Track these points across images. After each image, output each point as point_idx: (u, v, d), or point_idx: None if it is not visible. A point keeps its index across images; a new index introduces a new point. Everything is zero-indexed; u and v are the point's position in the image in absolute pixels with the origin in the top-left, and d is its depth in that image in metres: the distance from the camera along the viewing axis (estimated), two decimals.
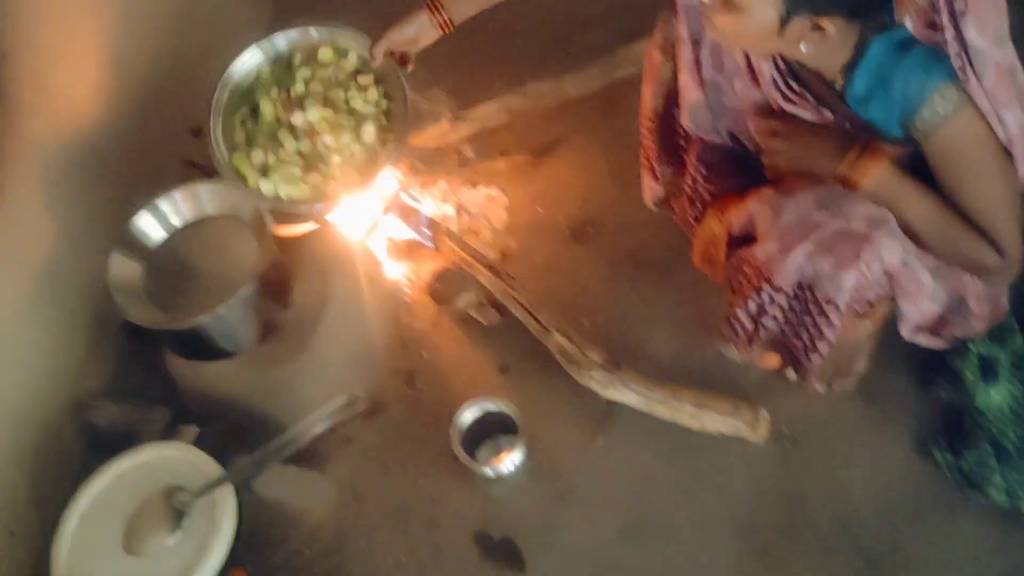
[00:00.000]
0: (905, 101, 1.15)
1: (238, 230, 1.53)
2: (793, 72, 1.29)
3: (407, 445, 1.64)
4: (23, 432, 1.56)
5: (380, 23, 1.57)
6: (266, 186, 1.56)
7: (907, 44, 1.15)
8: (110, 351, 1.76)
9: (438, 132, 1.97)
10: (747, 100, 1.37)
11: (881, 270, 1.24)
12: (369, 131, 1.61)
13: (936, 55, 1.14)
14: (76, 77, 1.68)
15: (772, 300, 1.33)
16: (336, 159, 1.60)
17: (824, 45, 1.15)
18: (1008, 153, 1.20)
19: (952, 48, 1.15)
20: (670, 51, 1.46)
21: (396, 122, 1.63)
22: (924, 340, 1.40)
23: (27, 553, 1.54)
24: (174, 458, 1.43)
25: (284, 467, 1.55)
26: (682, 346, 1.67)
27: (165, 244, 1.54)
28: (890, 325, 1.41)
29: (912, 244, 1.24)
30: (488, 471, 1.49)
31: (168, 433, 1.64)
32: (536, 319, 1.65)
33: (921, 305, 1.33)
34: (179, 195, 1.54)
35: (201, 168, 1.81)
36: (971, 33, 1.14)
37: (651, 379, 1.56)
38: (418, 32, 1.52)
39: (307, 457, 1.58)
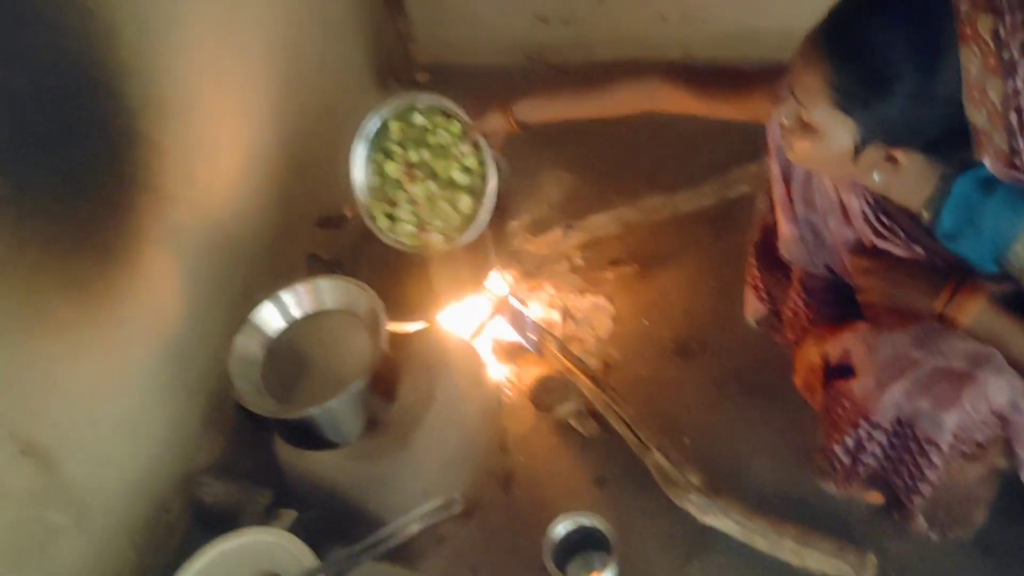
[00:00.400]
0: (996, 239, 1.14)
1: (353, 325, 1.58)
2: (882, 207, 1.28)
3: (498, 550, 1.63)
4: (136, 503, 1.63)
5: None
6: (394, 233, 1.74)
7: (992, 182, 1.13)
8: (222, 430, 1.84)
9: (550, 239, 2.02)
10: (841, 237, 1.37)
11: (988, 410, 1.18)
12: (465, 202, 1.72)
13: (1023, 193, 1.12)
14: (217, 169, 1.81)
15: (871, 436, 1.29)
16: (438, 223, 1.73)
17: (899, 177, 1.15)
18: None
19: None
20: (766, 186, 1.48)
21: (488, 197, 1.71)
22: None
23: None
24: (273, 544, 1.46)
25: (377, 563, 1.55)
26: (785, 475, 1.62)
27: (284, 333, 1.61)
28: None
29: (1021, 387, 1.19)
30: None
31: (268, 515, 1.68)
32: (636, 434, 1.64)
33: None
34: (301, 288, 1.61)
35: (323, 261, 1.90)
36: None
37: (751, 508, 1.52)
38: (495, 127, 1.66)
39: (400, 553, 1.58)
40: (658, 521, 1.60)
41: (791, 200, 1.41)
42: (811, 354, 1.42)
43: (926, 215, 1.21)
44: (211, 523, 1.70)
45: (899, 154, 1.12)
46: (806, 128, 1.15)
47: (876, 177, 1.16)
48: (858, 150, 1.13)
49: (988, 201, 1.13)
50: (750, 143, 1.97)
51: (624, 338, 1.90)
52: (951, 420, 1.19)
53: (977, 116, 1.04)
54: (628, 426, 1.65)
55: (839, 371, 1.34)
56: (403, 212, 1.76)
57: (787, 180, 1.40)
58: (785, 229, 1.44)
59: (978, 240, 1.16)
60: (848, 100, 1.09)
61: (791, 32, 2.38)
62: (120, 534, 1.59)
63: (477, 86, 2.57)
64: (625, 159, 2.27)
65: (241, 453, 1.82)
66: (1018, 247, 1.12)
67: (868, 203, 1.29)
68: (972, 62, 1.01)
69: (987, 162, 1.11)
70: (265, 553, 1.46)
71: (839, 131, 1.12)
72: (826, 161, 1.19)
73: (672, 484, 1.56)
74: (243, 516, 1.67)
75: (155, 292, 1.64)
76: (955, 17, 1.01)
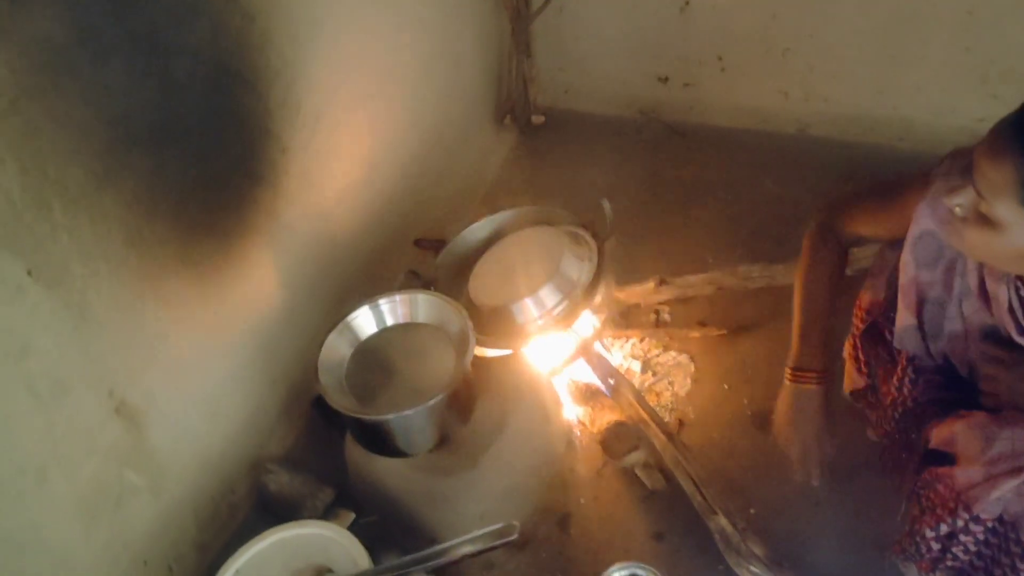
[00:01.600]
0: None
1: (442, 341, 1.62)
2: None
3: None
4: (204, 480, 1.68)
5: None
6: None
7: None
8: (296, 424, 1.89)
9: (642, 290, 2.03)
10: (973, 323, 1.33)
11: None
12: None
13: None
14: (334, 178, 1.89)
15: (967, 529, 1.24)
16: None
17: None
18: None
19: None
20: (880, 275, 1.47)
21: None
22: None
23: None
24: (331, 539, 1.49)
25: None
26: (852, 562, 1.57)
27: (374, 338, 1.66)
28: None
29: None
30: None
31: (328, 513, 1.72)
32: (703, 495, 1.62)
33: None
34: (399, 298, 1.66)
35: (419, 277, 1.95)
36: None
37: None
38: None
39: (449, 573, 1.59)
40: None
41: (916, 292, 1.38)
42: (911, 432, 1.39)
43: None
44: (272, 511, 1.75)
45: None
46: (983, 221, 1.12)
47: None
48: None
49: None
50: None
51: (702, 399, 1.89)
52: None
53: None
54: (696, 485, 1.63)
55: (935, 457, 1.31)
56: None
57: (923, 261, 1.36)
58: (904, 318, 1.40)
59: None
60: None
61: (910, 121, 2.40)
62: (186, 506, 1.64)
63: (589, 134, 2.65)
64: (728, 225, 2.27)
65: (310, 449, 1.87)
66: None
67: (1019, 295, 1.25)
68: None
69: None
70: (322, 547, 1.48)
71: (1021, 229, 1.09)
72: (996, 256, 1.16)
73: (733, 551, 1.54)
74: (303, 509, 1.71)
75: (259, 283, 1.72)
76: None
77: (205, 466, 1.68)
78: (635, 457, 1.74)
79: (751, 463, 1.76)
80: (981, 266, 1.30)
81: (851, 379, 1.64)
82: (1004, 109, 2.24)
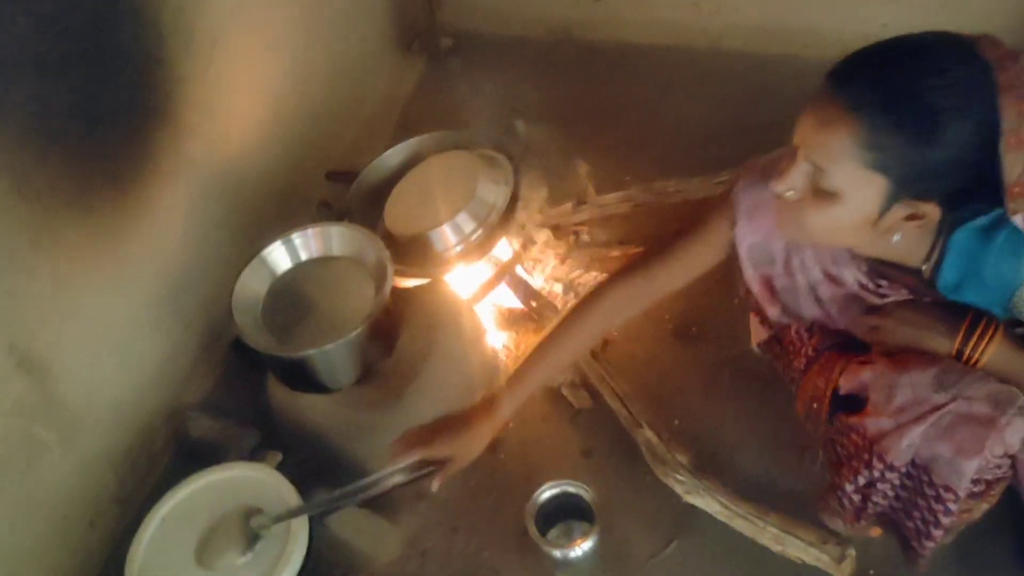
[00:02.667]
0: (1001, 286, 1.12)
1: (359, 273, 1.58)
2: (879, 272, 1.25)
3: (479, 511, 1.64)
4: (120, 431, 1.63)
5: None
6: None
7: (990, 229, 1.10)
8: (214, 367, 1.84)
9: (560, 212, 2.02)
10: (836, 301, 1.32)
11: (1003, 452, 1.15)
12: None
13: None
14: (238, 108, 1.81)
15: (883, 477, 1.24)
16: None
17: (915, 235, 1.12)
18: None
19: None
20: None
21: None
22: None
23: (102, 546, 1.59)
24: (258, 480, 1.46)
25: (357, 509, 1.56)
26: (773, 465, 1.62)
27: (288, 274, 1.61)
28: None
29: None
30: (557, 554, 1.47)
31: (254, 455, 1.69)
32: (628, 409, 1.64)
33: None
34: (311, 232, 1.61)
35: (332, 209, 1.90)
36: None
37: (736, 492, 1.52)
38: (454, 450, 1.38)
39: (381, 504, 1.59)
40: (642, 497, 1.60)
41: (772, 290, 1.37)
42: (818, 381, 1.38)
43: (926, 270, 1.18)
44: (196, 458, 1.69)
45: (929, 208, 1.06)
46: (822, 196, 1.08)
47: (896, 239, 1.12)
48: (883, 212, 1.07)
49: (989, 250, 1.11)
50: (766, 140, 1.98)
51: None
52: (971, 467, 1.15)
53: (1014, 167, 1.00)
54: (620, 400, 1.66)
55: (847, 402, 1.30)
56: None
57: (766, 276, 1.35)
58: (770, 311, 1.40)
59: (983, 289, 1.14)
60: (883, 156, 1.02)
61: (818, 31, 2.41)
62: (103, 459, 1.59)
63: (500, 56, 2.59)
64: (642, 144, 2.27)
65: (231, 391, 1.82)
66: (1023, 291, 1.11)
67: (863, 272, 1.26)
68: (1009, 109, 0.98)
69: (1019, 219, 1.07)
70: (250, 488, 1.45)
71: (865, 193, 1.05)
72: (841, 230, 1.12)
73: (659, 461, 1.57)
74: (228, 454, 1.67)
75: (163, 223, 1.64)
76: (993, 67, 0.99)
77: (120, 417, 1.62)
78: (561, 377, 1.75)
79: (674, 376, 1.79)
80: (819, 257, 1.29)
81: (756, 332, 1.61)
82: (905, 13, 2.27)
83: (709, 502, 1.52)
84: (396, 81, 2.53)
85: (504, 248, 1.90)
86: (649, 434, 1.59)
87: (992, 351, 1.17)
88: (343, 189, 1.94)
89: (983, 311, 1.19)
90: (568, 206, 2.02)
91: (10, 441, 1.38)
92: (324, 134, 2.15)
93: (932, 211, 1.07)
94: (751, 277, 1.37)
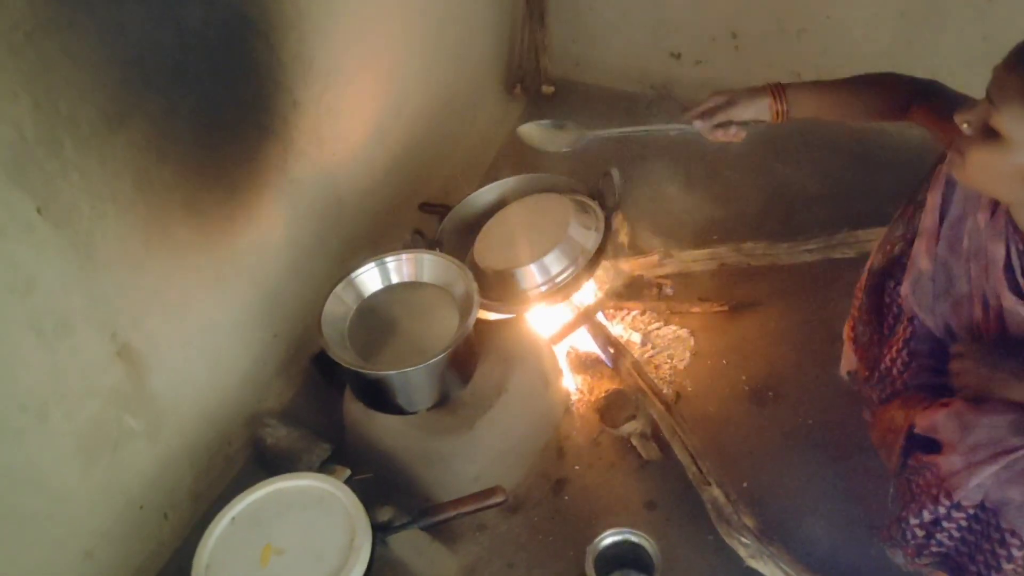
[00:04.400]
0: None
1: (446, 302, 1.62)
2: None
3: (537, 550, 1.64)
4: (202, 429, 1.69)
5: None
6: None
7: None
8: (295, 378, 1.90)
9: (646, 262, 2.03)
10: (978, 289, 1.32)
11: None
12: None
13: None
14: (344, 135, 1.88)
15: (950, 516, 1.25)
16: None
17: None
18: None
19: None
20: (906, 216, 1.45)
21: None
22: None
23: (173, 538, 1.65)
24: (327, 492, 1.49)
25: (420, 532, 1.58)
26: (841, 539, 1.59)
27: (378, 295, 1.66)
28: None
29: None
30: None
31: (323, 469, 1.73)
32: (697, 465, 1.63)
33: None
34: (405, 256, 1.66)
35: (424, 238, 1.95)
36: None
37: (801, 562, 1.49)
38: (756, 113, 1.52)
39: (443, 530, 1.61)
40: (704, 555, 1.59)
41: (938, 236, 1.36)
42: (897, 415, 1.39)
43: None
44: (268, 465, 1.75)
45: None
46: (989, 135, 1.12)
47: None
48: None
49: None
50: (861, 210, 1.97)
51: (700, 373, 1.90)
52: None
53: None
54: (691, 456, 1.65)
55: (922, 443, 1.31)
56: None
57: (942, 215, 1.36)
58: (923, 262, 1.38)
59: None
60: None
61: None
62: (183, 454, 1.65)
63: (599, 107, 2.64)
64: (735, 204, 2.27)
65: (308, 405, 1.87)
66: None
67: (1017, 250, 1.25)
68: None
69: None
70: (319, 500, 1.49)
71: None
72: (1000, 175, 1.14)
73: (724, 522, 1.55)
74: (299, 464, 1.72)
75: (264, 235, 1.72)
76: None
77: (203, 416, 1.69)
78: (632, 426, 1.75)
79: (746, 438, 1.78)
80: (990, 225, 1.29)
81: (848, 360, 1.64)
82: None
83: (772, 568, 1.49)
84: (496, 122, 2.60)
85: (588, 293, 1.93)
86: (717, 492, 1.58)
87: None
88: (435, 220, 2.00)
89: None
90: (654, 258, 2.03)
91: (103, 426, 1.45)
92: (422, 167, 2.22)
93: None
94: (931, 217, 1.36)
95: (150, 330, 1.50)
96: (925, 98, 1.44)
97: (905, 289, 1.42)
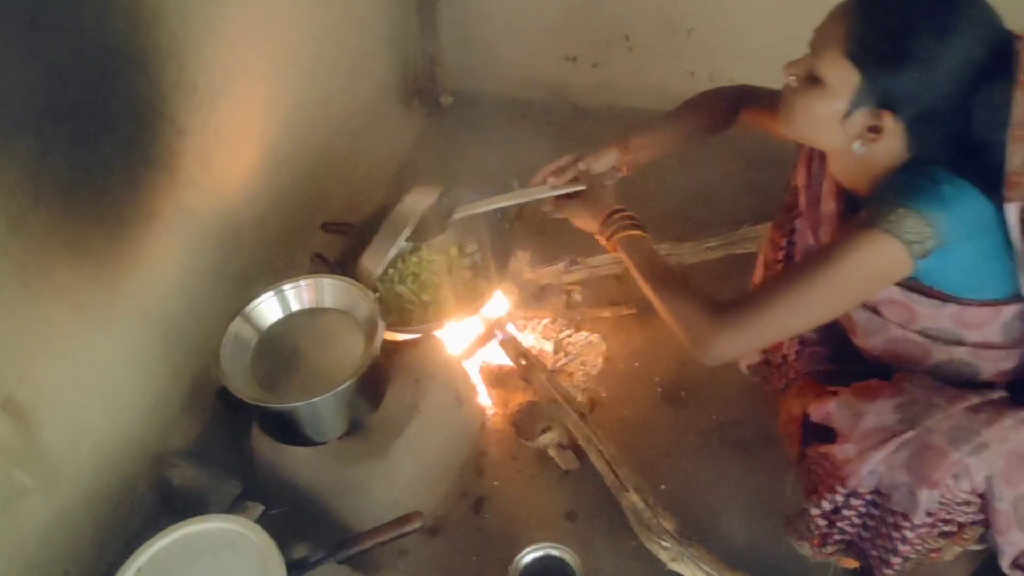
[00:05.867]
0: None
1: (350, 326, 1.58)
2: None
3: (460, 572, 1.62)
4: (103, 477, 1.61)
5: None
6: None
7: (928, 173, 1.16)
8: (201, 415, 1.83)
9: (553, 271, 2.03)
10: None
11: (970, 489, 1.19)
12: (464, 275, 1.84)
13: (924, 186, 1.14)
14: (235, 159, 1.83)
15: (848, 503, 1.29)
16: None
17: (873, 150, 1.19)
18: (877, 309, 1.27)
19: None
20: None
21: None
22: None
23: None
24: (237, 534, 1.44)
25: (338, 567, 1.54)
26: (759, 533, 1.61)
27: (279, 324, 1.61)
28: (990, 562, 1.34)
29: (1001, 468, 1.19)
30: None
31: (235, 505, 1.67)
32: (615, 472, 1.64)
33: (1012, 536, 1.24)
34: (304, 283, 1.62)
35: (326, 261, 1.91)
36: None
37: (721, 561, 1.51)
38: (606, 165, 1.64)
39: (361, 561, 1.57)
40: (626, 562, 1.59)
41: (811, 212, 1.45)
42: (794, 404, 1.43)
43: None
44: (176, 506, 1.68)
45: (887, 120, 1.15)
46: (810, 84, 1.19)
47: (857, 146, 1.20)
48: (849, 113, 1.17)
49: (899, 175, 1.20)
50: (762, 205, 2.01)
51: (613, 378, 1.91)
52: (925, 496, 1.19)
53: (1016, 156, 1.10)
54: (608, 464, 1.65)
55: (820, 432, 1.35)
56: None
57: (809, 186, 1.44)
58: (808, 239, 1.46)
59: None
60: (860, 48, 1.13)
61: None
62: (83, 505, 1.57)
63: (498, 115, 2.63)
64: (635, 207, 2.28)
65: (216, 441, 1.81)
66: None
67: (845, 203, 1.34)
68: (1020, 106, 1.09)
69: (1011, 210, 1.14)
70: (230, 542, 1.43)
71: (841, 84, 1.16)
72: (821, 122, 1.20)
73: (644, 527, 1.56)
74: (210, 504, 1.66)
75: (156, 268, 1.65)
76: (1016, 62, 1.09)
77: (103, 462, 1.61)
78: (548, 438, 1.75)
79: (662, 440, 1.79)
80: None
81: (750, 354, 1.67)
82: None
83: (693, 570, 1.51)
84: (395, 136, 2.57)
85: (496, 306, 1.91)
86: (635, 498, 1.59)
87: (621, 238, 1.42)
88: (338, 241, 1.95)
89: (625, 210, 1.46)
90: (561, 265, 2.04)
91: None
92: (322, 186, 2.17)
93: (892, 127, 1.16)
94: (802, 200, 1.46)
95: (37, 380, 1.42)
96: (746, 102, 1.57)
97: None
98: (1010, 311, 1.24)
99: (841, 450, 1.27)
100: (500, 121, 2.62)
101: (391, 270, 1.81)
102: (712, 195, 2.29)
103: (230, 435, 1.78)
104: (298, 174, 2.06)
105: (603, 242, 1.47)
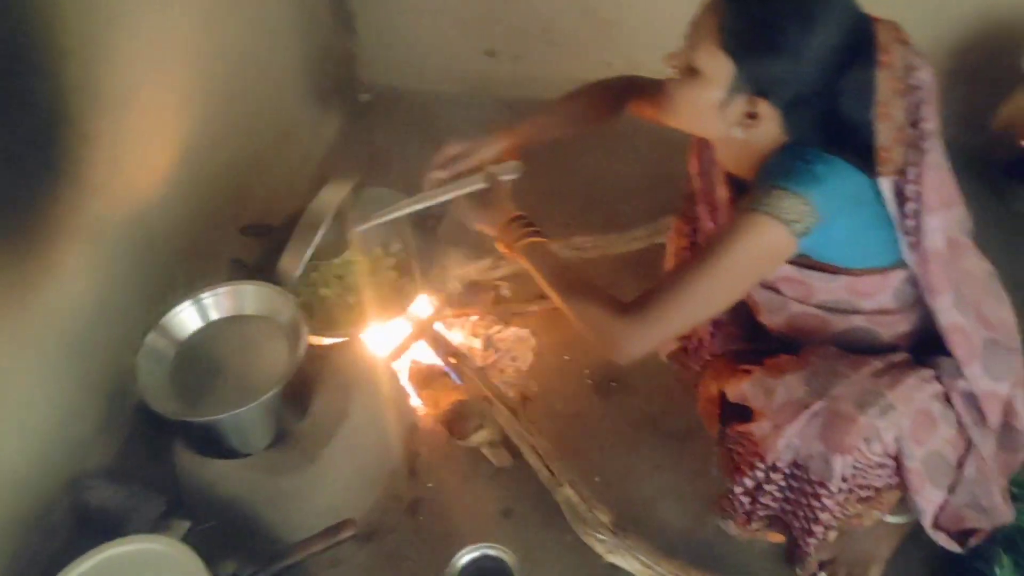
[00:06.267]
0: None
1: (273, 332, 1.54)
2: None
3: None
4: (17, 501, 1.54)
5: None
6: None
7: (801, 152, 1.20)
8: (119, 431, 1.76)
9: (479, 267, 2.01)
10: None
11: (883, 452, 1.24)
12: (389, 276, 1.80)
13: (799, 168, 1.18)
14: (146, 164, 1.76)
15: (768, 478, 1.33)
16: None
17: (752, 135, 1.22)
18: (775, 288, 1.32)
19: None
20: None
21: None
22: (944, 541, 1.35)
23: None
24: (163, 554, 1.39)
25: None
26: (692, 520, 1.63)
27: (198, 334, 1.56)
28: (914, 534, 1.38)
29: (908, 427, 1.23)
30: None
31: (159, 524, 1.61)
32: (548, 468, 1.63)
33: (927, 493, 1.29)
34: (222, 290, 1.57)
35: (246, 267, 1.85)
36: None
37: (658, 550, 1.52)
38: (496, 152, 1.61)
39: (294, 573, 1.54)
40: (563, 557, 1.59)
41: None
42: (710, 386, 1.47)
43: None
44: (96, 529, 1.60)
45: (762, 106, 1.18)
46: (689, 75, 1.21)
47: (737, 132, 1.22)
48: (726, 102, 1.19)
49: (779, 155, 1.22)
50: (680, 195, 2.02)
51: (544, 372, 1.90)
52: (839, 462, 1.24)
53: (883, 133, 1.16)
54: (541, 459, 1.64)
55: (738, 411, 1.38)
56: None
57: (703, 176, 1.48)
58: (707, 225, 1.50)
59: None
60: (734, 40, 1.16)
61: None
62: None
63: (419, 112, 2.60)
64: (558, 200, 2.29)
65: (136, 458, 1.74)
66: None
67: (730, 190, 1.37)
68: (884, 83, 1.15)
69: (885, 184, 1.19)
70: (154, 564, 1.38)
71: (717, 74, 1.18)
72: (702, 111, 1.23)
73: (580, 521, 1.56)
74: (131, 523, 1.59)
75: (65, 280, 1.57)
76: (875, 45, 1.16)
77: (13, 488, 1.53)
78: (481, 436, 1.73)
79: (595, 432, 1.79)
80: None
81: (666, 343, 1.68)
82: None
83: (630, 561, 1.51)
84: (314, 135, 2.52)
85: (424, 305, 1.89)
86: (569, 492, 1.58)
87: (523, 247, 1.39)
88: (258, 244, 1.90)
89: (524, 216, 1.43)
90: (487, 262, 2.02)
91: None
92: (238, 188, 2.11)
93: (767, 113, 1.18)
94: (696, 175, 1.51)
95: None
96: (633, 93, 1.59)
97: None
98: (898, 276, 1.29)
99: (758, 427, 1.30)
100: (420, 117, 2.58)
101: (313, 273, 1.77)
102: (633, 187, 2.31)
103: (151, 451, 1.72)
104: (214, 178, 2.00)
105: (503, 250, 1.44)
